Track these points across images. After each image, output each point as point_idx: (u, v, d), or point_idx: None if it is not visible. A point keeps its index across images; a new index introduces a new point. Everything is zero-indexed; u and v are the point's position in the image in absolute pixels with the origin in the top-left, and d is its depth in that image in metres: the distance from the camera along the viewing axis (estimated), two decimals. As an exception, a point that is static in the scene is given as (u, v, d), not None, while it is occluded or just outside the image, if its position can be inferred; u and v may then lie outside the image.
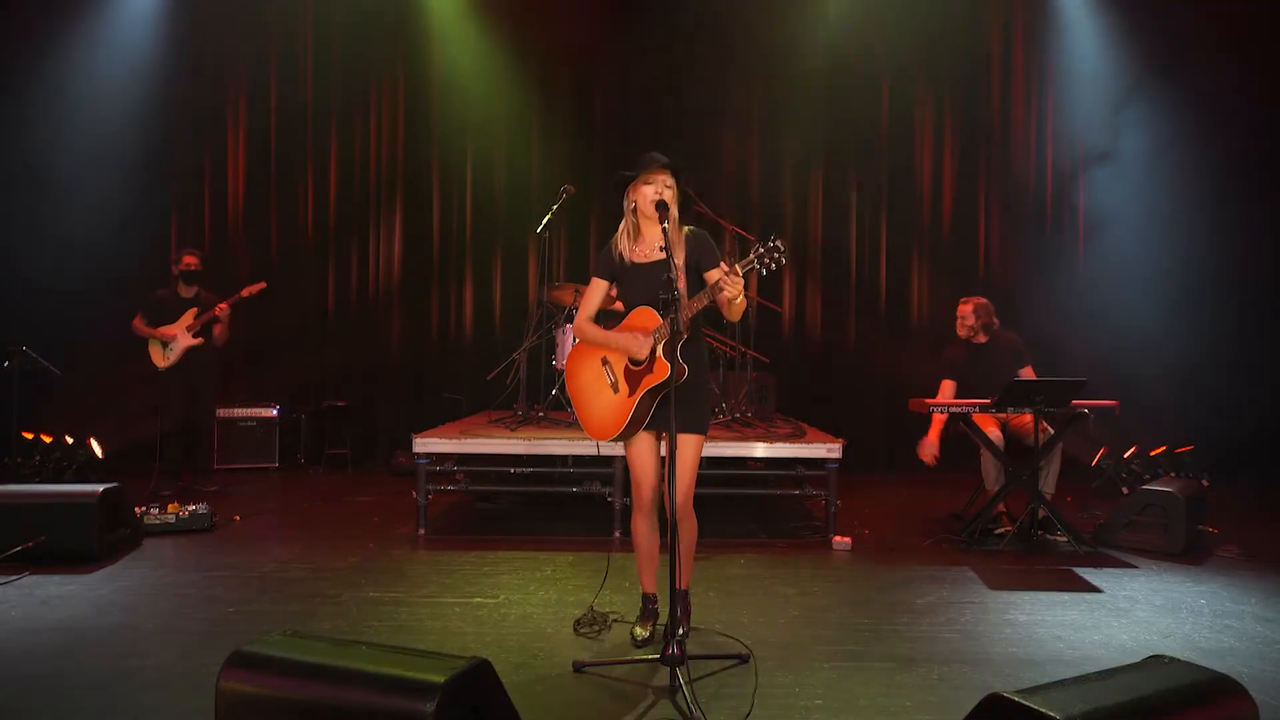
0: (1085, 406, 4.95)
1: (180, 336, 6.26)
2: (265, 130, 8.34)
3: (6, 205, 7.42)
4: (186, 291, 6.39)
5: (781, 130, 8.28)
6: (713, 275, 3.06)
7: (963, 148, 8.29)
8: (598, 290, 3.31)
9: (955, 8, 8.08)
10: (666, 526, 2.89)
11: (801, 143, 8.29)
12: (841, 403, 7.78)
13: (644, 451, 3.25)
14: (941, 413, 5.09)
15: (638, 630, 3.36)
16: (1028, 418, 5.12)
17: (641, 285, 3.16)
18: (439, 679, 1.90)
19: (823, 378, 8.08)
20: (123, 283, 7.68)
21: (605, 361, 3.24)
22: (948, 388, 5.50)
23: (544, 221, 6.02)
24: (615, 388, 3.19)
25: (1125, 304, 7.91)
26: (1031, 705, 1.80)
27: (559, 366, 6.27)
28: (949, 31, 8.07)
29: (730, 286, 2.85)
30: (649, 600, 3.43)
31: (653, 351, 3.06)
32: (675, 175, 3.15)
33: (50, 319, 7.29)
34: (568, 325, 6.16)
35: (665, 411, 2.96)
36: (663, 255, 3.01)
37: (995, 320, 5.53)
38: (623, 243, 3.25)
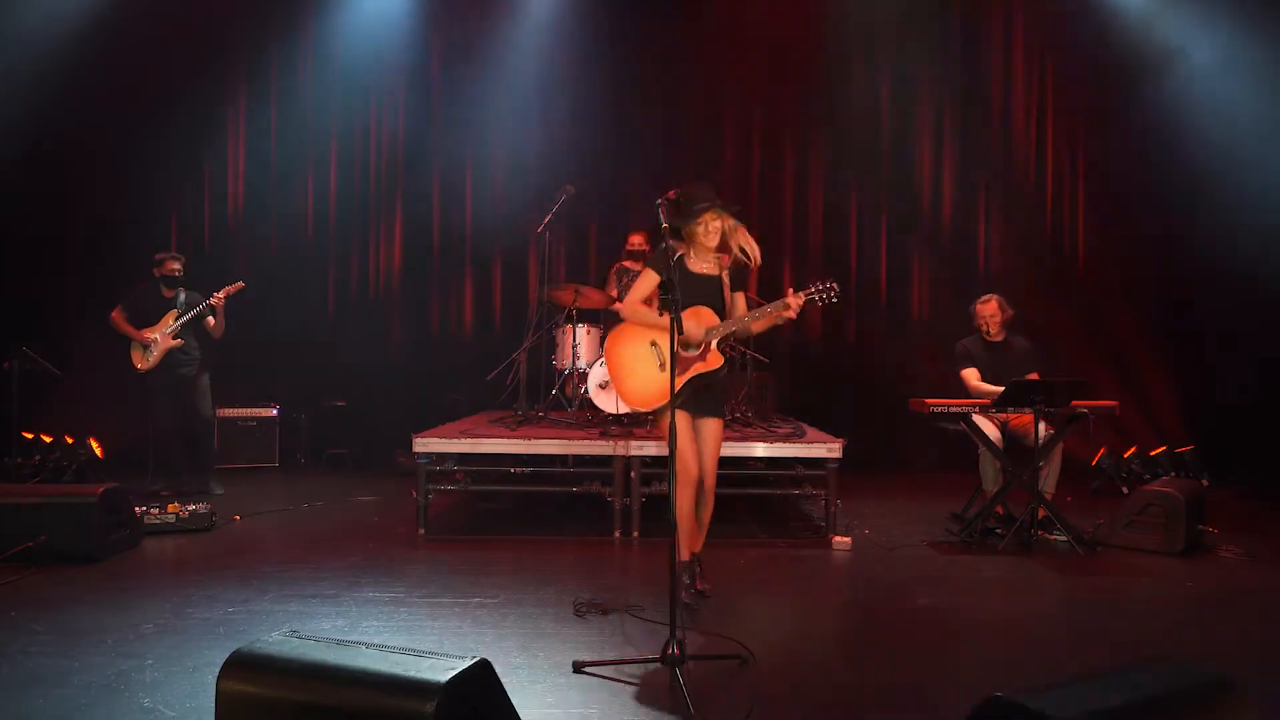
0: (1085, 406, 4.95)
1: (160, 339, 6.21)
2: (265, 129, 8.34)
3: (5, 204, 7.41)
4: (168, 293, 6.35)
5: (782, 131, 8.29)
6: (740, 301, 3.80)
7: (963, 147, 8.28)
8: (649, 282, 3.73)
9: (957, 3, 8.09)
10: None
11: (802, 142, 8.30)
12: (841, 403, 7.77)
13: (688, 432, 3.68)
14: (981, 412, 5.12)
15: (699, 587, 3.80)
16: (1028, 417, 5.12)
17: (697, 291, 3.71)
18: (439, 679, 1.90)
19: (823, 378, 8.07)
20: (123, 283, 7.67)
21: (655, 344, 3.74)
22: (974, 374, 5.49)
23: (544, 221, 6.02)
24: (663, 366, 3.67)
25: (1125, 303, 7.91)
26: (1031, 705, 1.80)
27: (559, 366, 6.26)
28: (950, 27, 8.07)
29: (793, 310, 3.55)
30: (694, 561, 3.84)
31: (708, 344, 3.66)
32: (730, 215, 3.73)
33: (50, 319, 7.28)
34: (568, 325, 6.16)
35: (701, 397, 3.67)
36: (714, 270, 3.76)
37: (1010, 311, 5.53)
38: (686, 253, 3.77)
